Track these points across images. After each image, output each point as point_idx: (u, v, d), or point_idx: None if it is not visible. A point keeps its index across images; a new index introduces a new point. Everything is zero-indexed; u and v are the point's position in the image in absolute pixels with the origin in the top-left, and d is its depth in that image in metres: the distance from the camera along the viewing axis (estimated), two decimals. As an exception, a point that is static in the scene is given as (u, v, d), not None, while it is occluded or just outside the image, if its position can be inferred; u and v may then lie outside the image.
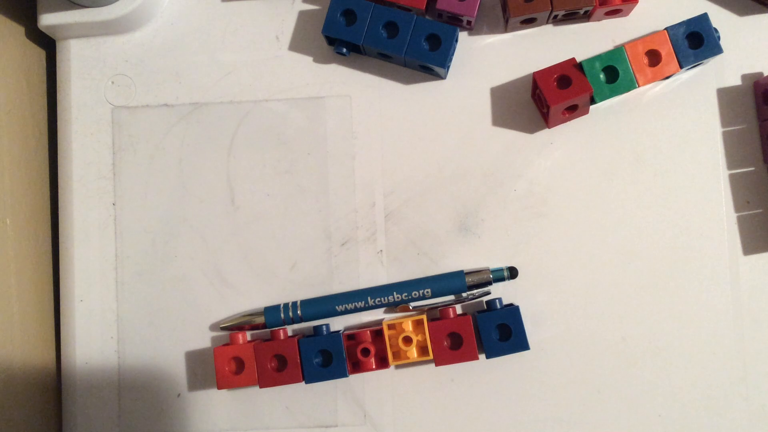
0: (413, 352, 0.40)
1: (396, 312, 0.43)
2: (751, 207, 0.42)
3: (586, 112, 0.42)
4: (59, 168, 0.45)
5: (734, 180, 0.42)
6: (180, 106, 0.44)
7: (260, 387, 0.41)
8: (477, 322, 0.40)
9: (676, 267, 0.42)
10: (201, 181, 0.44)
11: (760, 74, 0.42)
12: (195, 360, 0.43)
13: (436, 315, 0.42)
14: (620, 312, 0.42)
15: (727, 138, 0.42)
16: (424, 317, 0.40)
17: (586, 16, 0.43)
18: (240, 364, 0.41)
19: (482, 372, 0.42)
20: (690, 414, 0.41)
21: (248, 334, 0.43)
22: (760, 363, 0.41)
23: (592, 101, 0.42)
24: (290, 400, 0.43)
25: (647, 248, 0.42)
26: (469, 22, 0.42)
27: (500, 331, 0.40)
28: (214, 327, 0.43)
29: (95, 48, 0.45)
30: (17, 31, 0.44)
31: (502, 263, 0.42)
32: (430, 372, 0.42)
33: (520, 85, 0.43)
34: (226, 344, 0.42)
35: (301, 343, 0.41)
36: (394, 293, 0.42)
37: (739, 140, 0.42)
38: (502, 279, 0.41)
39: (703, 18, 0.41)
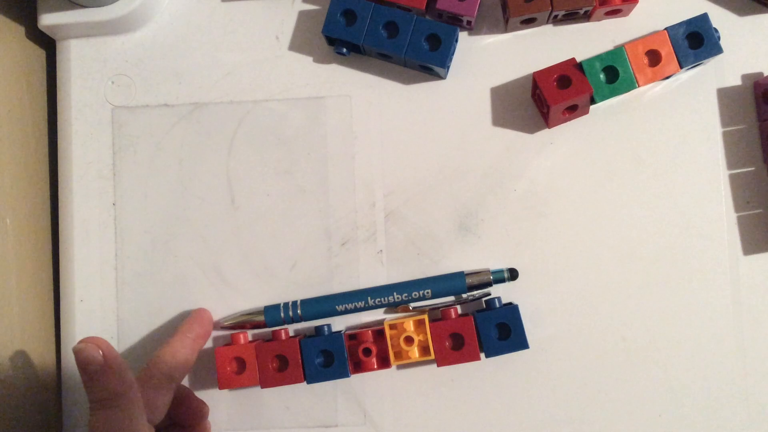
0: (415, 352, 0.40)
1: (396, 312, 0.43)
2: (751, 207, 0.42)
3: (586, 112, 0.42)
4: (59, 168, 0.45)
5: (734, 180, 0.42)
6: (180, 106, 0.44)
7: (262, 387, 0.41)
8: (476, 321, 0.40)
9: (676, 267, 0.42)
10: (201, 181, 0.44)
11: (760, 74, 0.42)
12: (195, 360, 0.43)
13: (437, 315, 0.42)
14: (620, 312, 0.42)
15: (727, 138, 0.42)
16: (426, 317, 0.40)
17: (586, 16, 0.43)
18: (241, 364, 0.41)
19: (482, 372, 0.42)
20: (690, 414, 0.41)
21: (249, 335, 0.43)
22: (760, 363, 0.41)
23: (592, 101, 0.42)
24: (290, 400, 0.43)
25: (647, 248, 0.42)
26: (469, 22, 0.42)
27: (499, 330, 0.40)
28: (214, 327, 0.43)
29: (95, 48, 0.45)
30: (17, 31, 0.44)
31: (502, 263, 0.42)
32: (430, 372, 0.42)
33: (520, 85, 0.43)
34: (228, 344, 0.42)
35: (302, 344, 0.41)
36: (395, 293, 0.42)
37: (739, 140, 0.42)
38: (502, 280, 0.41)
39: (703, 18, 0.41)
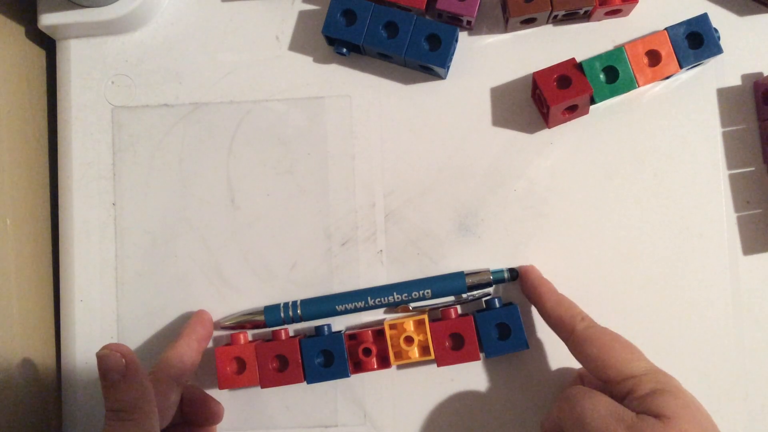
0: (415, 352, 0.40)
1: (396, 312, 0.43)
2: (751, 207, 0.42)
3: (586, 112, 0.42)
4: (59, 168, 0.45)
5: (734, 180, 0.42)
6: (180, 106, 0.44)
7: (262, 387, 0.41)
8: (476, 321, 0.40)
9: (676, 267, 0.42)
10: (201, 181, 0.44)
11: (760, 74, 0.42)
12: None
13: (438, 315, 0.42)
14: (620, 312, 0.42)
15: (727, 138, 0.42)
16: (426, 317, 0.40)
17: (586, 16, 0.43)
18: (241, 365, 0.41)
19: (482, 372, 0.42)
20: (690, 414, 0.41)
21: (249, 335, 0.43)
22: (760, 363, 0.41)
23: (592, 101, 0.42)
24: (290, 400, 0.43)
25: (647, 248, 0.42)
26: (469, 22, 0.42)
27: (499, 330, 0.40)
28: (214, 327, 0.43)
29: (95, 48, 0.45)
30: (17, 31, 0.44)
31: (502, 263, 0.42)
32: (430, 372, 0.42)
33: (520, 85, 0.43)
34: (228, 344, 0.42)
35: (302, 344, 0.41)
36: (394, 293, 0.42)
37: (739, 140, 0.42)
38: (502, 280, 0.41)
39: (703, 18, 0.41)
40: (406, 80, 0.44)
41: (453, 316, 0.41)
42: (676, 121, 0.43)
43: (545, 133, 0.43)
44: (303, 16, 0.44)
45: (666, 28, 0.41)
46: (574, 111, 0.42)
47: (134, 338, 0.43)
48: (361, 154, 0.43)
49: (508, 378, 0.42)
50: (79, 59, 0.45)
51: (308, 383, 0.41)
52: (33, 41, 0.45)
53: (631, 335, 0.42)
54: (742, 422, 0.41)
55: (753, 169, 0.42)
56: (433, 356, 0.40)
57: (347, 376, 0.40)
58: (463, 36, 0.44)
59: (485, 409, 0.42)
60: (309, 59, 0.44)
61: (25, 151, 0.44)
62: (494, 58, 0.43)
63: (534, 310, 0.42)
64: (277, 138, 0.44)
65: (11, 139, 0.42)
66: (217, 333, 0.43)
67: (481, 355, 0.41)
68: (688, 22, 0.41)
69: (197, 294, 0.43)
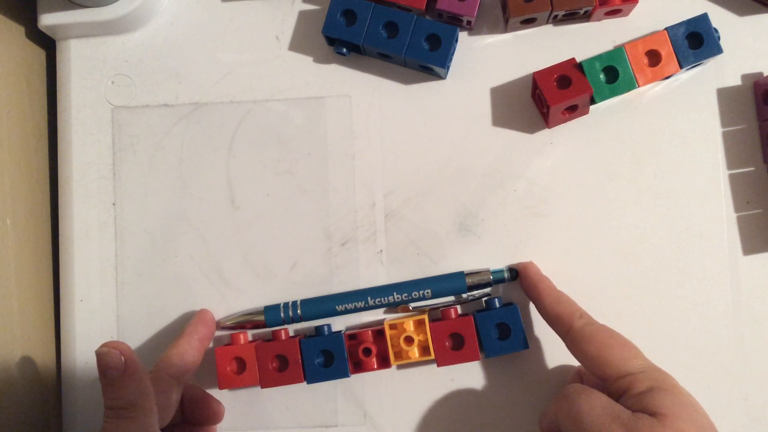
0: (415, 352, 0.40)
1: (396, 312, 0.43)
2: (751, 207, 0.42)
3: (586, 112, 0.42)
4: (59, 168, 0.45)
5: (734, 180, 0.42)
6: (180, 106, 0.44)
7: (262, 387, 0.41)
8: (476, 321, 0.40)
9: (676, 267, 0.42)
10: (201, 181, 0.44)
11: (760, 74, 0.42)
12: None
13: (438, 315, 0.42)
14: (620, 312, 0.42)
15: (727, 138, 0.42)
16: (426, 317, 0.40)
17: (586, 16, 0.43)
18: (241, 364, 0.41)
19: (482, 372, 0.42)
20: (690, 414, 0.41)
21: (249, 335, 0.43)
22: (760, 363, 0.41)
23: (592, 101, 0.42)
24: (290, 400, 0.43)
25: (647, 248, 0.42)
26: (469, 22, 0.42)
27: (499, 330, 0.40)
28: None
29: (95, 48, 0.45)
30: (17, 31, 0.44)
31: (502, 263, 0.42)
32: (430, 372, 0.42)
33: (520, 85, 0.43)
34: (228, 344, 0.42)
35: (302, 344, 0.41)
36: (394, 293, 0.42)
37: (739, 140, 0.42)
38: (502, 280, 0.42)
39: (703, 18, 0.41)
40: (406, 80, 0.44)
41: (453, 316, 0.41)
42: (676, 121, 0.43)
43: (545, 133, 0.43)
44: (303, 16, 0.44)
45: (666, 28, 0.41)
46: (574, 111, 0.42)
47: (134, 338, 0.43)
48: (361, 154, 0.43)
49: (508, 378, 0.42)
50: (79, 59, 0.45)
51: (308, 383, 0.41)
52: (33, 41, 0.45)
53: (631, 335, 0.42)
54: (742, 423, 0.41)
55: (753, 169, 0.42)
56: (433, 356, 0.40)
57: (347, 376, 0.40)
58: (463, 36, 0.44)
59: (485, 409, 0.42)
60: (309, 59, 0.44)
61: (25, 151, 0.44)
62: (494, 58, 0.43)
63: (533, 309, 0.42)
64: (277, 138, 0.44)
65: (11, 139, 0.42)
66: (217, 333, 0.43)
67: (481, 355, 0.41)
68: (688, 22, 0.41)
69: (197, 294, 0.43)
